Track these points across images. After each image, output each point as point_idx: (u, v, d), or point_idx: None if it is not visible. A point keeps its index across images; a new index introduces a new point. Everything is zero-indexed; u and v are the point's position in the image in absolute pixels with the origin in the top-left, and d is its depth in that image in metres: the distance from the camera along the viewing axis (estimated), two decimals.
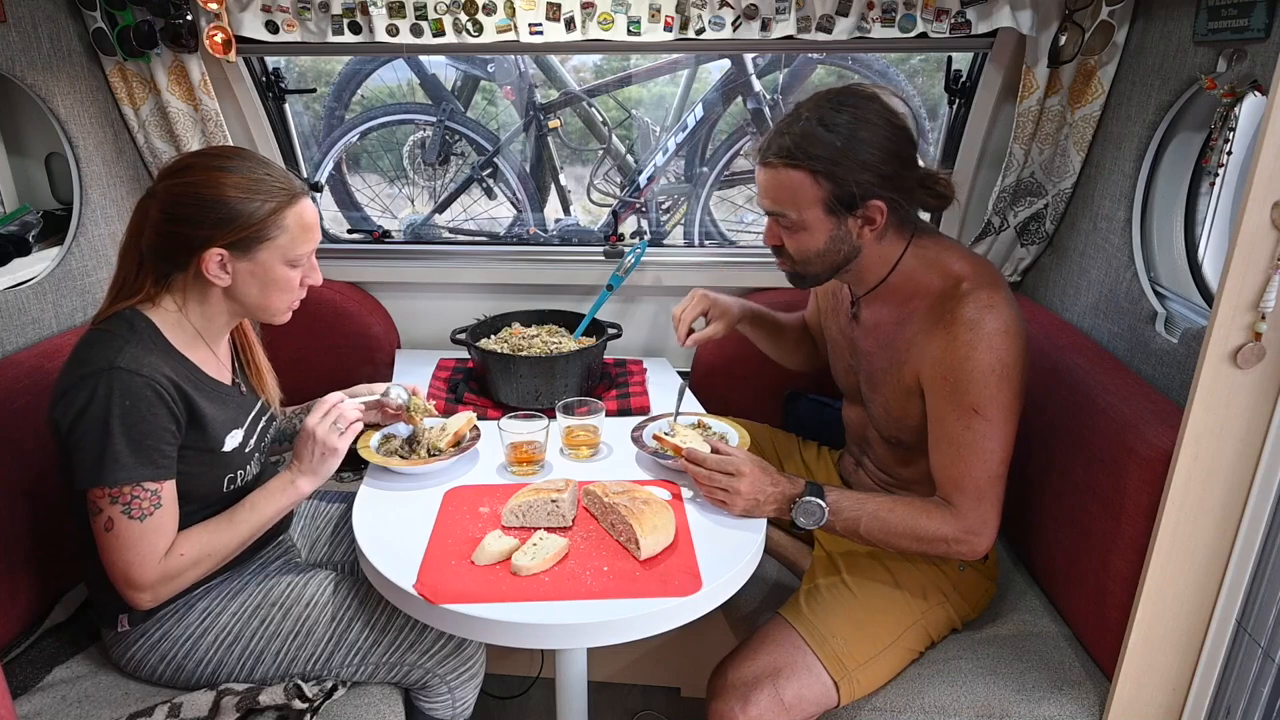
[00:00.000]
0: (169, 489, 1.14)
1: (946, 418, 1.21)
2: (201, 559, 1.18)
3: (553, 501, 1.21)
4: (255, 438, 1.31)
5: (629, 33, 1.62)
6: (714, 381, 1.91)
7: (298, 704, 1.21)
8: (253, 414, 1.32)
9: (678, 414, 1.50)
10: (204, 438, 1.19)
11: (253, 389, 1.36)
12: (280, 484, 1.26)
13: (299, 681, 1.24)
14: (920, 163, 1.24)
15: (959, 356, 1.17)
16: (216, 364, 1.27)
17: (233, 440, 1.24)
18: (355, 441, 1.32)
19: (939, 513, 1.23)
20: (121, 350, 1.11)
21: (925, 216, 1.94)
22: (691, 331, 1.55)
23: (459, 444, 1.43)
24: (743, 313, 1.58)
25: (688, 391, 1.59)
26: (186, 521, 1.19)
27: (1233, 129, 1.26)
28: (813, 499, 1.23)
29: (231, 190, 1.13)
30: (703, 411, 1.56)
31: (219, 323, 1.24)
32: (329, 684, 1.27)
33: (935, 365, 1.20)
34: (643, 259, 1.89)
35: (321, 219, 2.12)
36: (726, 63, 2.22)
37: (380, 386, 1.46)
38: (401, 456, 1.40)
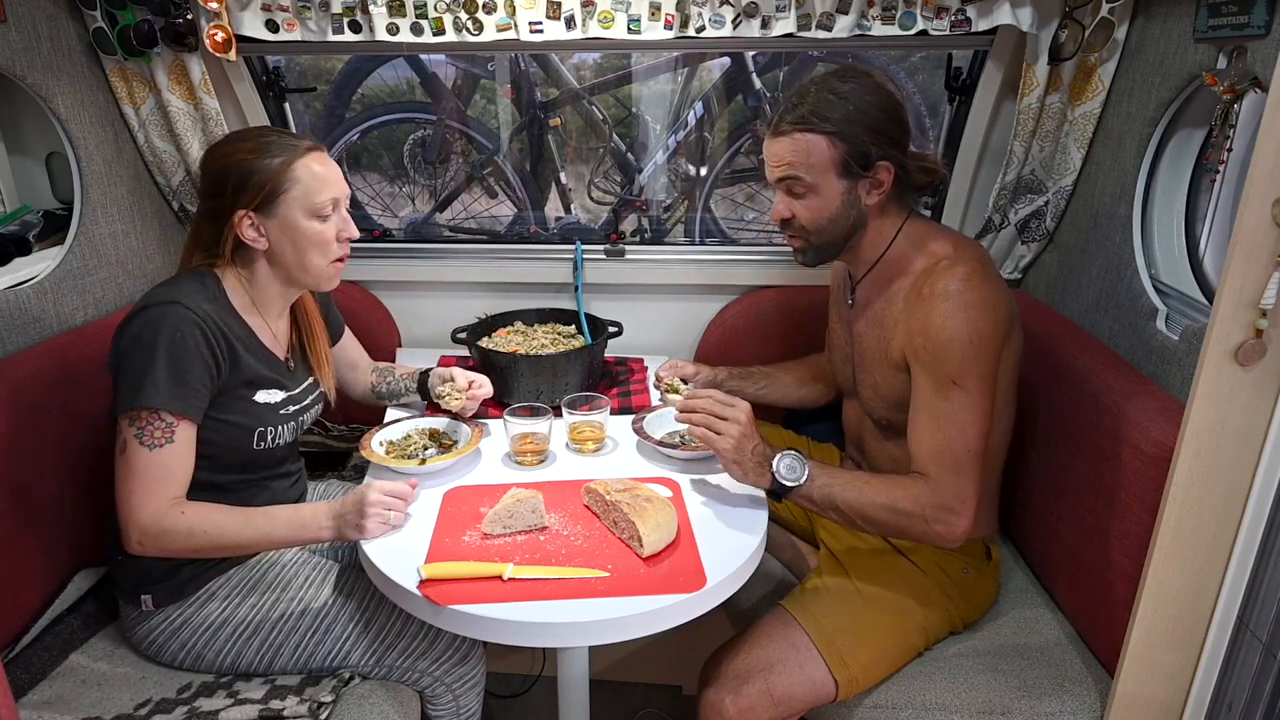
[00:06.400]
0: (185, 431, 1.19)
1: (926, 389, 1.23)
2: (198, 531, 1.17)
3: (531, 509, 1.21)
4: (297, 407, 1.36)
5: (629, 31, 1.61)
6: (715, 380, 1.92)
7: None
8: (300, 388, 1.38)
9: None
10: (241, 384, 1.26)
11: (308, 369, 1.43)
12: (312, 514, 1.22)
13: (315, 696, 1.24)
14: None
15: (936, 327, 1.20)
16: (271, 338, 1.34)
17: (267, 396, 1.30)
18: (357, 443, 1.33)
19: (914, 485, 1.23)
20: (185, 292, 1.21)
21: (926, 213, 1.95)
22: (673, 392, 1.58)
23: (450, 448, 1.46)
24: (721, 371, 1.66)
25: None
26: (211, 476, 1.24)
27: (1233, 126, 1.26)
28: (794, 453, 1.25)
29: (243, 155, 1.23)
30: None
31: (271, 293, 1.32)
32: (346, 675, 1.27)
33: (916, 336, 1.23)
34: (585, 258, 1.97)
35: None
36: (727, 60, 2.22)
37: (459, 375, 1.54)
38: (421, 461, 1.40)
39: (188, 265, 1.30)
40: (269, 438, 1.31)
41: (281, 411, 1.32)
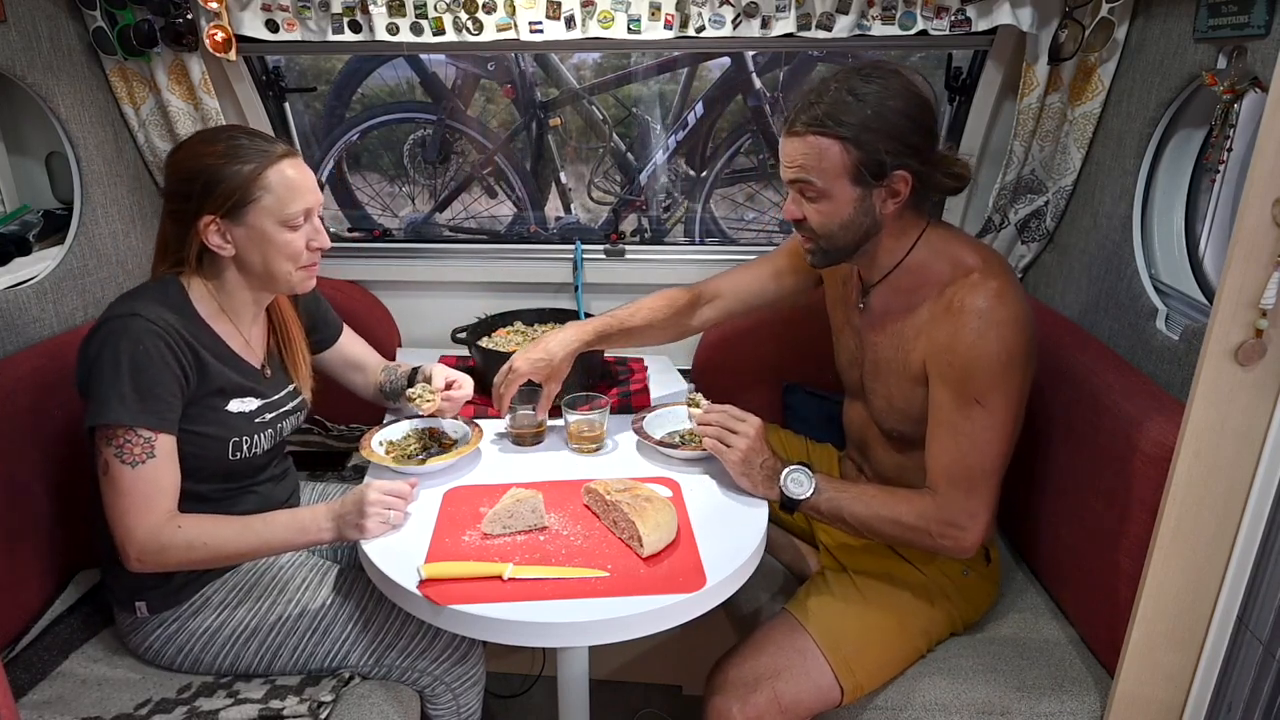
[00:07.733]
0: (165, 444, 1.16)
1: (947, 405, 1.21)
2: (197, 544, 1.16)
3: (531, 509, 1.21)
4: (274, 415, 1.32)
5: (629, 31, 1.61)
6: (714, 378, 1.92)
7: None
8: (278, 396, 1.34)
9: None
10: (212, 393, 1.22)
11: (287, 375, 1.39)
12: (311, 517, 1.21)
13: (315, 695, 1.23)
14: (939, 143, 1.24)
15: (966, 344, 1.17)
16: (244, 344, 1.30)
17: (241, 404, 1.26)
18: (357, 443, 1.33)
19: (919, 500, 1.23)
20: (145, 304, 1.17)
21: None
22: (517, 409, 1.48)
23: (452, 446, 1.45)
24: (575, 350, 1.44)
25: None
26: (193, 486, 1.21)
27: (1233, 126, 1.26)
28: (801, 468, 1.27)
29: (212, 159, 1.17)
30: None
31: (241, 299, 1.27)
32: (346, 674, 1.27)
33: (942, 352, 1.21)
34: (585, 258, 1.97)
35: (323, 218, 2.13)
36: (727, 60, 2.22)
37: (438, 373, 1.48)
38: (421, 461, 1.39)
39: (158, 270, 1.26)
40: (245, 448, 1.27)
41: (257, 420, 1.28)
